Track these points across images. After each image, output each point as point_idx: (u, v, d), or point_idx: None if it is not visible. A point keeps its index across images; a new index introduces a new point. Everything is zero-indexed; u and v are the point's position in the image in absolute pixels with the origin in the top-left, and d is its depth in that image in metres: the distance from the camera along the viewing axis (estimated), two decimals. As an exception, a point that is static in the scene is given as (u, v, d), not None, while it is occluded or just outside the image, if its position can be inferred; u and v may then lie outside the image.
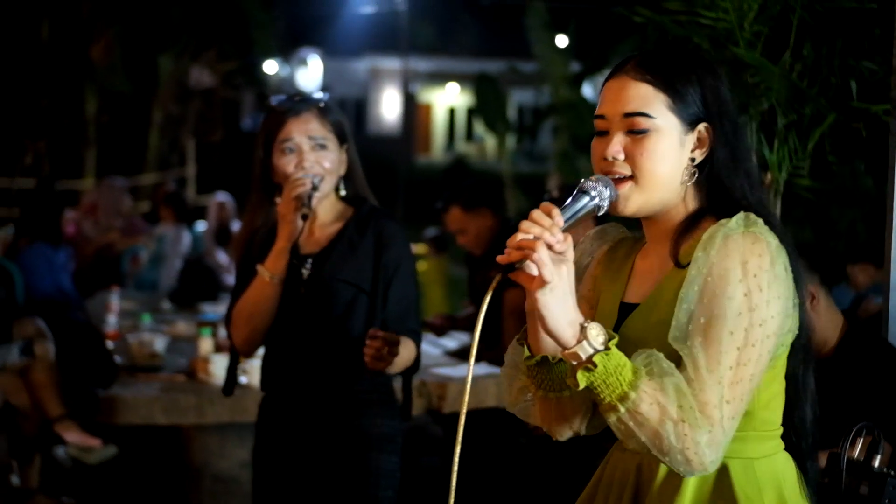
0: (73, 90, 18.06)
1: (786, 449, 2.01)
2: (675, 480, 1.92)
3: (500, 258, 1.79)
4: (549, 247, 1.78)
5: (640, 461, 2.00)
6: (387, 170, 24.71)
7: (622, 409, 1.78)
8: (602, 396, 1.79)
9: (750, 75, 3.64)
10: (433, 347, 5.92)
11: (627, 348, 1.92)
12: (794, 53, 3.63)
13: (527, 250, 1.76)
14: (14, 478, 5.46)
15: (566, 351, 1.81)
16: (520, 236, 1.78)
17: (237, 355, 3.37)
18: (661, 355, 1.82)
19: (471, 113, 33.25)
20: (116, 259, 8.33)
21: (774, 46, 3.65)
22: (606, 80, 2.01)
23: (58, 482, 5.72)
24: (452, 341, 6.09)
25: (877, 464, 2.75)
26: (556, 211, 1.81)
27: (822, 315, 3.41)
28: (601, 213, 1.93)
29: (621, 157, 1.94)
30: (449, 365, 5.35)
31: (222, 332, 4.54)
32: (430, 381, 4.89)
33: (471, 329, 5.94)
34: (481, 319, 1.82)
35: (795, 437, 2.01)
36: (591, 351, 1.79)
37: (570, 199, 1.90)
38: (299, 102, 3.15)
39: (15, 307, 6.34)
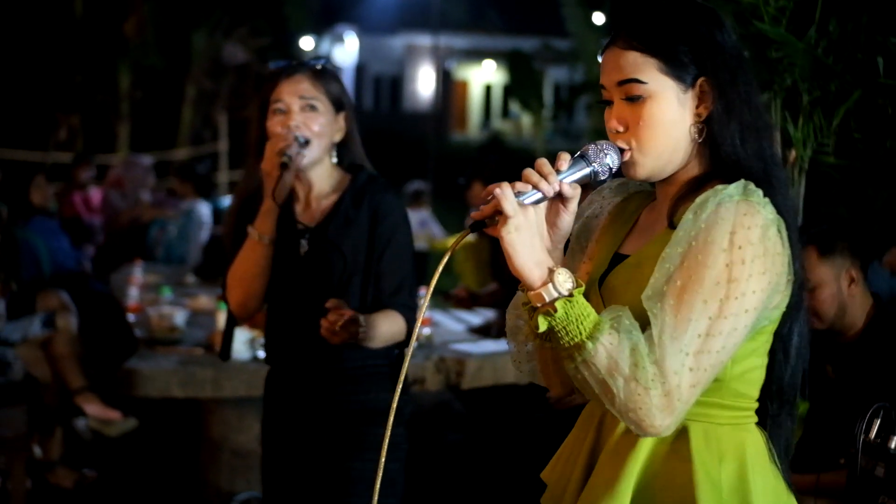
0: (107, 66, 18.15)
1: (761, 420, 1.97)
2: (632, 437, 1.89)
3: (473, 214, 1.83)
4: (544, 196, 1.83)
5: (603, 415, 1.99)
6: (421, 147, 24.71)
7: (578, 358, 1.77)
8: (561, 343, 1.78)
9: (774, 51, 3.59)
10: (457, 323, 5.91)
11: (609, 298, 1.93)
12: (819, 29, 3.57)
13: (491, 195, 1.81)
14: (36, 449, 5.50)
15: (531, 292, 1.81)
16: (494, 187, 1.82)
17: (234, 320, 3.36)
18: (629, 312, 1.80)
19: (507, 90, 33.20)
20: (144, 230, 8.37)
21: (799, 22, 3.60)
22: (602, 51, 2.00)
23: (78, 454, 5.76)
24: (477, 317, 6.07)
25: (893, 445, 2.71)
26: (546, 163, 1.85)
27: (857, 298, 3.37)
28: (601, 178, 1.91)
29: (621, 128, 1.94)
30: (469, 341, 5.32)
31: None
32: (448, 356, 4.86)
33: (492, 305, 5.92)
34: (440, 269, 1.84)
35: (773, 406, 1.97)
36: (555, 295, 1.78)
37: (570, 162, 1.89)
38: (295, 66, 3.12)
39: (41, 280, 6.38)
